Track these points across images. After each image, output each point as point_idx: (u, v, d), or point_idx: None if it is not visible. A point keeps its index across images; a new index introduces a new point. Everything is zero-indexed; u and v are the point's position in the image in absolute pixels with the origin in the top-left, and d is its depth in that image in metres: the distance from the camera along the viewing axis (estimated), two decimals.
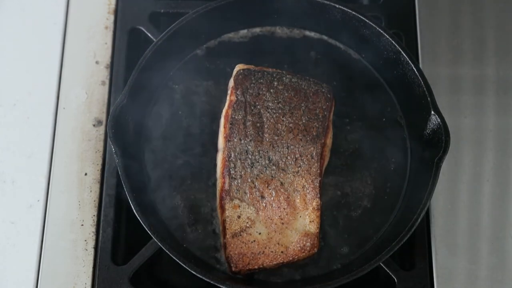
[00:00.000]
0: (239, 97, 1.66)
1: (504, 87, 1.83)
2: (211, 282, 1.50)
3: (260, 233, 1.58)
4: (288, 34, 1.84)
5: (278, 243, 1.58)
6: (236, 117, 1.64)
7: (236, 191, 1.60)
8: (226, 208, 1.59)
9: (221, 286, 1.50)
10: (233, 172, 1.61)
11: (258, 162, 1.62)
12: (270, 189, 1.60)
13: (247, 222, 1.59)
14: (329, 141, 1.68)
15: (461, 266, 1.66)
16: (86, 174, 1.73)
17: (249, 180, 1.61)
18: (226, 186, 1.60)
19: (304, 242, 1.57)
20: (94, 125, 1.78)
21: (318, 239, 1.58)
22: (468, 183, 1.74)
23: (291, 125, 1.64)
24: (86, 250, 1.66)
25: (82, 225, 1.68)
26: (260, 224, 1.59)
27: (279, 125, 1.64)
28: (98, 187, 1.72)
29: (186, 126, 1.74)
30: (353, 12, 1.71)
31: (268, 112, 1.65)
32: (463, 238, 1.68)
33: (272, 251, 1.57)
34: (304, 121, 1.65)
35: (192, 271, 1.50)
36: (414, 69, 1.65)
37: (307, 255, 1.58)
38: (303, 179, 1.61)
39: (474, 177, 1.74)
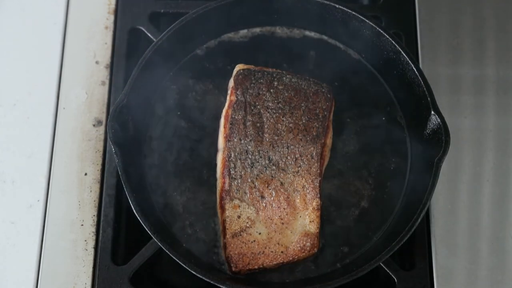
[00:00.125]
0: (239, 97, 1.66)
1: (504, 87, 1.83)
2: (211, 282, 1.50)
3: (260, 233, 1.58)
4: (288, 34, 1.84)
5: (278, 243, 1.58)
6: (236, 117, 1.64)
7: (236, 191, 1.60)
8: (226, 208, 1.59)
9: (221, 286, 1.50)
10: (233, 172, 1.61)
11: (258, 162, 1.62)
12: (270, 189, 1.60)
13: (247, 222, 1.59)
14: (329, 141, 1.68)
15: (461, 266, 1.66)
16: (86, 174, 1.73)
17: (249, 180, 1.61)
18: (226, 186, 1.60)
19: (304, 242, 1.57)
20: (94, 125, 1.78)
21: (318, 239, 1.58)
22: (468, 183, 1.74)
23: (291, 125, 1.64)
24: (86, 250, 1.66)
25: (82, 225, 1.68)
26: (260, 224, 1.59)
27: (279, 125, 1.64)
28: (98, 187, 1.72)
29: (186, 126, 1.74)
30: (353, 12, 1.71)
31: (268, 112, 1.65)
32: (463, 238, 1.68)
33: (272, 251, 1.57)
34: (304, 121, 1.65)
35: (192, 271, 1.50)
36: (414, 69, 1.65)
37: (307, 255, 1.58)
38: (303, 179, 1.61)
39: (474, 177, 1.74)
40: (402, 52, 1.67)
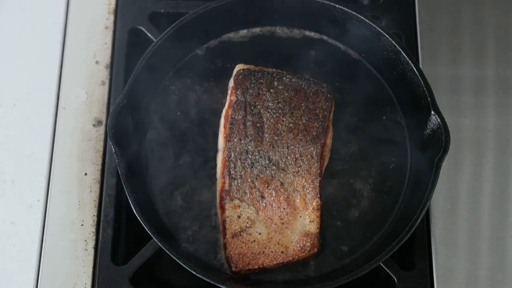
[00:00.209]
0: (239, 97, 1.66)
1: (504, 87, 1.83)
2: (211, 282, 1.50)
3: (260, 233, 1.58)
4: (288, 34, 1.84)
5: (278, 243, 1.58)
6: (236, 117, 1.64)
7: (236, 191, 1.60)
8: (226, 208, 1.59)
9: (221, 286, 1.50)
10: (233, 172, 1.61)
11: (258, 162, 1.62)
12: (270, 189, 1.60)
13: (247, 222, 1.59)
14: (329, 141, 1.68)
15: (461, 266, 1.66)
16: (86, 174, 1.73)
17: (249, 180, 1.61)
18: (226, 186, 1.60)
19: (304, 242, 1.57)
20: (94, 125, 1.78)
21: (318, 239, 1.58)
22: (468, 183, 1.74)
23: (291, 125, 1.64)
24: (86, 250, 1.66)
25: (82, 225, 1.68)
26: (260, 224, 1.59)
27: (279, 125, 1.64)
28: (98, 187, 1.72)
29: (186, 126, 1.74)
30: (353, 12, 1.71)
31: (268, 112, 1.65)
32: (463, 238, 1.68)
33: (272, 251, 1.57)
34: (304, 121, 1.65)
35: (192, 271, 1.50)
36: (414, 69, 1.65)
37: (307, 255, 1.58)
38: (303, 179, 1.61)
39: (474, 177, 1.74)
40: (402, 52, 1.67)
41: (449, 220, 1.70)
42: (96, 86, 1.81)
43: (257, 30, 1.84)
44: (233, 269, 1.57)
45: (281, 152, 1.63)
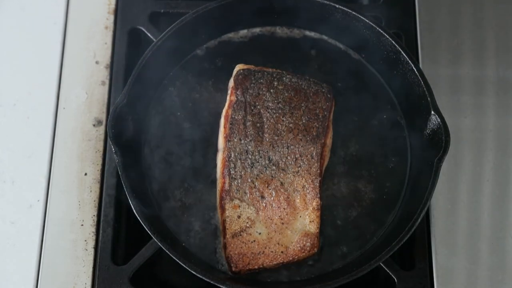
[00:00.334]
0: (239, 97, 1.66)
1: (504, 87, 1.83)
2: (211, 282, 1.50)
3: (260, 233, 1.58)
4: (288, 34, 1.84)
5: (278, 243, 1.58)
6: (236, 117, 1.64)
7: (236, 191, 1.60)
8: (226, 208, 1.59)
9: (221, 286, 1.50)
10: (233, 172, 1.61)
11: (258, 162, 1.62)
12: (270, 189, 1.60)
13: (247, 222, 1.59)
14: (329, 141, 1.68)
15: (461, 266, 1.66)
16: (86, 174, 1.73)
17: (249, 180, 1.61)
18: (226, 186, 1.60)
19: (304, 242, 1.57)
20: (94, 125, 1.78)
21: (318, 239, 1.58)
22: (468, 183, 1.74)
23: (291, 125, 1.64)
24: (86, 250, 1.66)
25: (82, 225, 1.68)
26: (260, 224, 1.59)
27: (279, 125, 1.64)
28: (98, 187, 1.72)
29: (186, 126, 1.74)
30: (353, 12, 1.71)
31: (268, 112, 1.65)
32: (463, 238, 1.68)
33: (272, 251, 1.57)
34: (304, 121, 1.65)
35: (192, 271, 1.50)
36: (414, 69, 1.65)
37: (307, 255, 1.58)
38: (303, 179, 1.61)
39: (474, 177, 1.74)
40: (402, 52, 1.67)
41: (449, 220, 1.70)
42: (96, 86, 1.81)
43: (257, 30, 1.84)
44: (233, 269, 1.57)
45: (281, 152, 1.63)
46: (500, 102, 1.81)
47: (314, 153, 1.63)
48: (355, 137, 1.74)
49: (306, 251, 1.57)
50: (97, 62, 1.84)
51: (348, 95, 1.78)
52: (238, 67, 1.71)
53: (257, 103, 1.66)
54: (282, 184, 1.61)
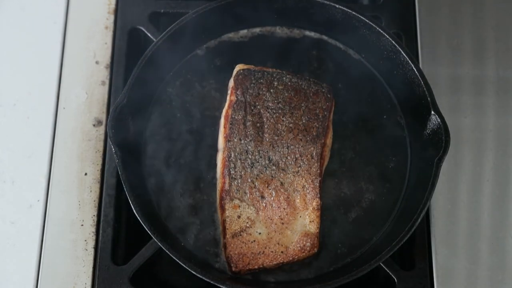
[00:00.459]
0: (239, 97, 1.66)
1: (504, 87, 1.83)
2: (211, 282, 1.50)
3: (260, 233, 1.58)
4: (288, 34, 1.84)
5: (278, 243, 1.58)
6: (236, 117, 1.64)
7: (236, 191, 1.60)
8: (226, 208, 1.59)
9: (221, 286, 1.50)
10: (233, 172, 1.61)
11: (258, 162, 1.62)
12: (270, 189, 1.60)
13: (247, 222, 1.59)
14: (329, 141, 1.68)
15: (461, 266, 1.66)
16: (86, 174, 1.73)
17: (249, 180, 1.61)
18: (226, 186, 1.60)
19: (304, 242, 1.57)
20: (94, 125, 1.78)
21: (318, 239, 1.58)
22: (468, 183, 1.74)
23: (291, 125, 1.64)
24: (86, 250, 1.66)
25: (82, 225, 1.68)
26: (260, 224, 1.59)
27: (279, 125, 1.64)
28: (98, 187, 1.72)
29: (186, 126, 1.74)
30: (353, 12, 1.71)
31: (268, 112, 1.65)
32: (463, 238, 1.68)
33: (272, 251, 1.57)
34: (304, 121, 1.65)
35: (192, 271, 1.50)
36: (414, 69, 1.65)
37: (307, 255, 1.58)
38: (303, 179, 1.61)
39: (474, 177, 1.74)
40: (402, 52, 1.67)
41: (449, 220, 1.70)
42: (96, 86, 1.81)
43: (257, 30, 1.84)
44: (233, 269, 1.57)
45: (281, 152, 1.63)
46: (500, 102, 1.81)
47: (314, 153, 1.63)
48: (355, 137, 1.74)
49: (306, 251, 1.57)
50: (97, 62, 1.84)
51: (348, 95, 1.78)
52: (238, 67, 1.71)
53: (257, 103, 1.66)
54: (282, 184, 1.61)
